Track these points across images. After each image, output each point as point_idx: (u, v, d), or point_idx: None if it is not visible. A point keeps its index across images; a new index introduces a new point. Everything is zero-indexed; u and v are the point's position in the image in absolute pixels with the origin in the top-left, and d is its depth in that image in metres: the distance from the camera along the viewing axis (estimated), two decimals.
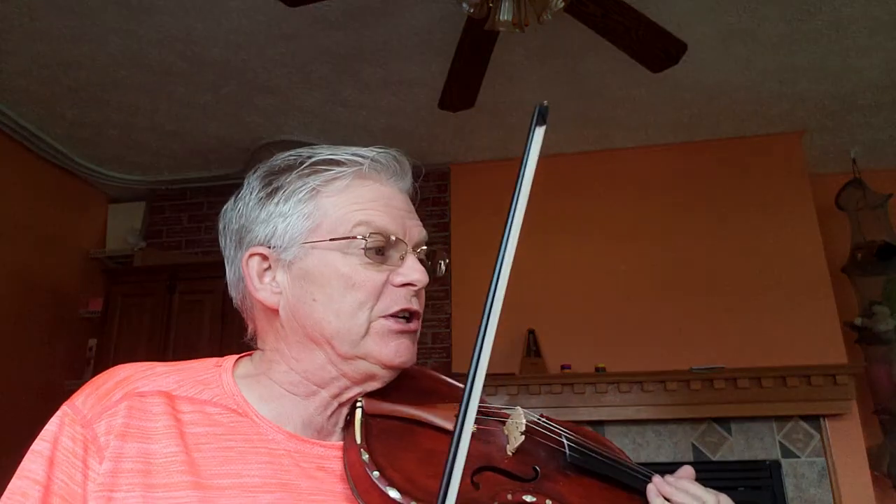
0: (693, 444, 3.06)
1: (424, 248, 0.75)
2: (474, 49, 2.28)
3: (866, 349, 3.17)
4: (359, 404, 0.69)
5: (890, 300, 3.14)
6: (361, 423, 0.66)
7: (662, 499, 0.74)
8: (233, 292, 0.76)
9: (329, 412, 0.71)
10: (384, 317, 0.70)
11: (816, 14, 2.56)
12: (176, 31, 2.62)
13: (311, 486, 0.66)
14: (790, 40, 2.72)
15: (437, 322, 3.46)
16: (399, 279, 0.71)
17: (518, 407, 0.75)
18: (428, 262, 0.75)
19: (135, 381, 0.68)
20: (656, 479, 0.76)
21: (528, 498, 0.66)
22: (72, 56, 2.76)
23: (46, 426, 0.65)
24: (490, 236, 3.55)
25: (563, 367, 3.16)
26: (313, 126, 3.34)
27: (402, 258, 0.71)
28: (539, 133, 0.58)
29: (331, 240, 0.69)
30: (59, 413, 0.66)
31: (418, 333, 0.75)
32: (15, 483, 0.62)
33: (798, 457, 2.97)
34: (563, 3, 1.95)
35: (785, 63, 2.87)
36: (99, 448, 0.63)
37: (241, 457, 0.65)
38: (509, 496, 0.65)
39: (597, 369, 3.10)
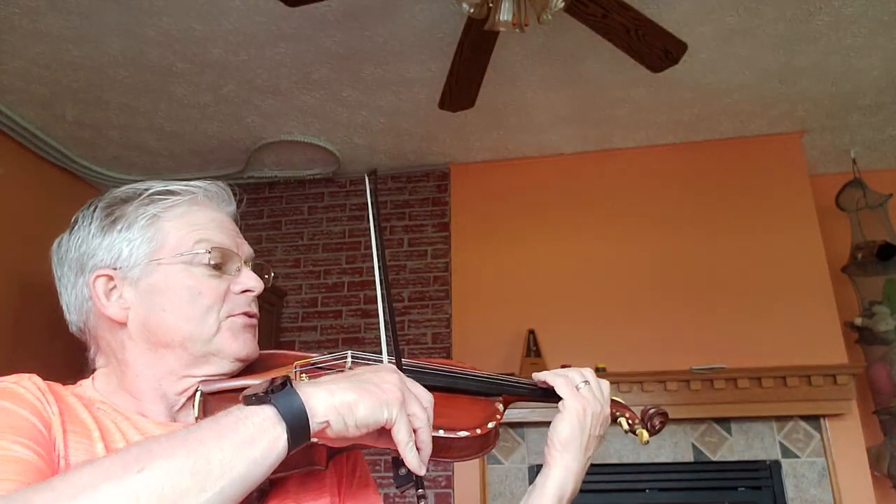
0: (693, 444, 3.06)
1: (252, 263, 0.87)
2: (474, 49, 2.28)
3: (866, 349, 3.17)
4: (198, 388, 0.78)
5: (890, 300, 3.14)
6: (199, 402, 0.75)
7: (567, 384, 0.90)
8: (72, 316, 0.84)
9: (179, 405, 0.80)
10: (232, 316, 0.81)
11: (816, 14, 2.56)
12: (176, 31, 2.62)
13: None
14: (790, 40, 2.72)
15: (437, 322, 3.46)
16: (238, 287, 0.82)
17: (348, 351, 0.85)
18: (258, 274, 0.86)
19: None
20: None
21: None
22: (72, 56, 2.76)
23: None
24: (490, 236, 3.56)
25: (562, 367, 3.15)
26: (313, 126, 3.34)
27: (239, 270, 0.83)
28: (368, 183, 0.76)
29: (175, 255, 0.80)
30: None
31: (257, 330, 0.86)
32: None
33: (798, 457, 2.97)
34: (563, 3, 1.95)
35: (785, 63, 2.87)
36: (45, 394, 0.70)
37: (123, 433, 0.74)
38: None
39: (597, 369, 3.10)
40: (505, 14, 1.96)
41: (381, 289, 0.77)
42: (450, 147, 3.57)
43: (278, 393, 0.60)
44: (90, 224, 0.82)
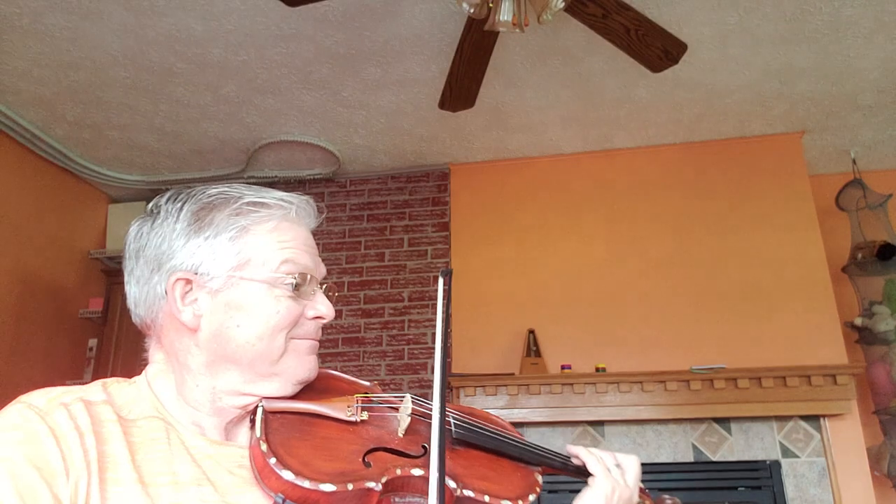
0: (693, 444, 3.06)
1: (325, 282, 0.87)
2: (474, 49, 2.28)
3: (866, 349, 3.17)
4: (260, 404, 0.79)
5: (890, 300, 3.14)
6: (262, 420, 0.75)
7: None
8: (139, 310, 0.82)
9: (234, 419, 0.81)
10: (298, 339, 0.82)
11: (816, 14, 2.56)
12: (176, 31, 2.63)
13: (231, 481, 0.75)
14: (790, 40, 2.72)
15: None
16: (312, 312, 0.83)
17: (408, 395, 0.85)
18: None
19: (77, 393, 0.74)
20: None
21: (415, 472, 0.75)
22: (72, 57, 2.76)
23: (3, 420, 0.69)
24: (490, 236, 3.56)
25: (563, 367, 3.16)
26: (313, 126, 3.34)
27: (314, 293, 0.84)
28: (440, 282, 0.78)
29: (259, 274, 0.79)
30: (16, 409, 0.70)
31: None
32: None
33: (798, 457, 2.97)
34: (563, 3, 1.95)
35: (785, 63, 2.87)
36: (83, 435, 0.69)
37: (172, 459, 0.73)
38: (398, 471, 0.74)
39: (597, 369, 3.10)
40: (505, 14, 1.96)
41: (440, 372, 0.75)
42: (450, 147, 3.57)
43: None
44: (175, 223, 0.80)
